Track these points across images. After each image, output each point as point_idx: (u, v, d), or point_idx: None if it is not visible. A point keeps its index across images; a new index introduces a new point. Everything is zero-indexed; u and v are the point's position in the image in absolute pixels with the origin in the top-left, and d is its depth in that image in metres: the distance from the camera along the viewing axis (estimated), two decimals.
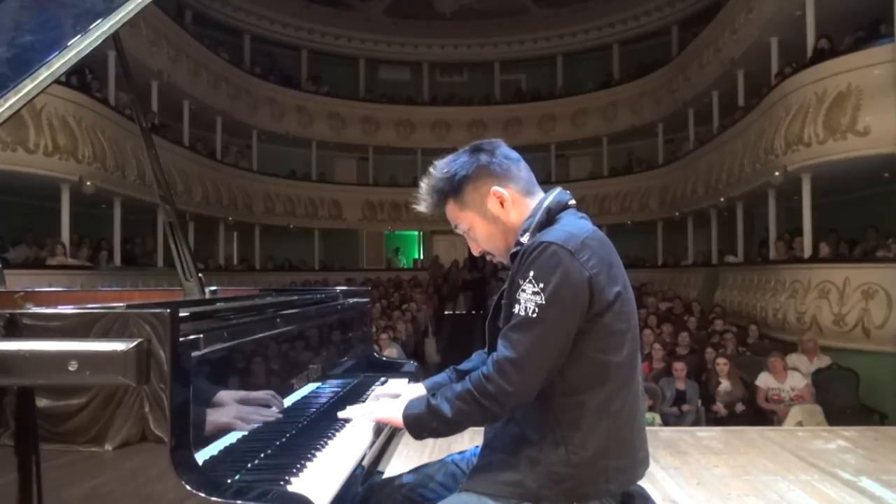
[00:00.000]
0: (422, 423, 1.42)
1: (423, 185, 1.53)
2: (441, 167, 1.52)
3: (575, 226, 1.40)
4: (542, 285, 1.29)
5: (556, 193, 1.50)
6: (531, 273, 1.31)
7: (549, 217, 1.45)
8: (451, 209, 1.52)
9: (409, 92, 19.50)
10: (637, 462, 1.42)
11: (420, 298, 13.87)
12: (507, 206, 1.47)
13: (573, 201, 1.51)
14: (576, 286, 1.30)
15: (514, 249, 1.43)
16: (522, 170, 1.52)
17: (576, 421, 1.34)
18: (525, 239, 1.42)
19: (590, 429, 1.34)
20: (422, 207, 1.54)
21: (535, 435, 1.36)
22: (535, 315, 1.29)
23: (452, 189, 1.50)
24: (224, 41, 16.12)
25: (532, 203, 1.49)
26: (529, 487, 1.34)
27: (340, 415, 1.60)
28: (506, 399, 1.31)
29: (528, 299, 1.30)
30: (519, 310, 1.32)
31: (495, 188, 1.47)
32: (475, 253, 1.58)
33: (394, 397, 1.66)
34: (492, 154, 1.50)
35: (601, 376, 1.34)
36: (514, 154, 1.53)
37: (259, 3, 16.64)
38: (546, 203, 1.46)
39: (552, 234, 1.36)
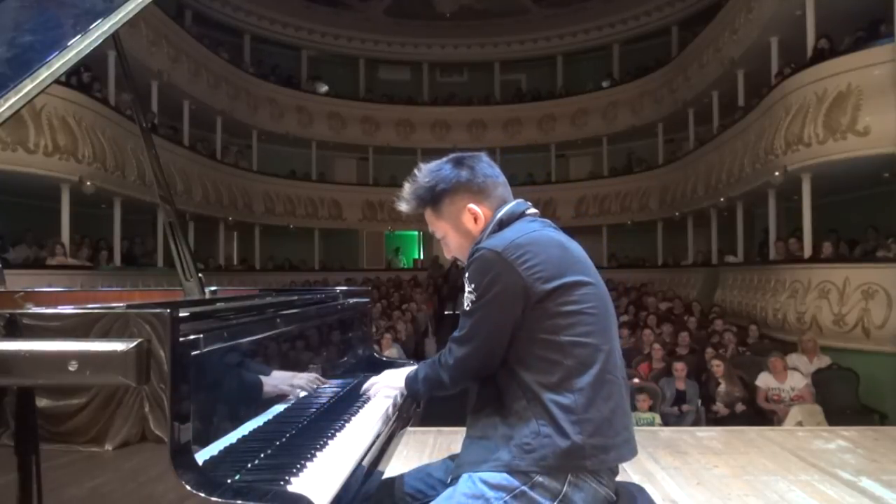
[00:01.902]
0: (411, 385, 1.66)
1: (407, 187, 1.65)
2: (424, 174, 1.63)
3: (516, 231, 1.52)
4: (473, 286, 1.46)
5: (512, 205, 1.61)
6: (467, 276, 1.48)
7: (500, 228, 1.56)
8: (429, 216, 1.66)
9: (409, 92, 19.50)
10: (618, 443, 1.45)
11: (420, 298, 13.87)
12: (479, 222, 1.60)
13: (532, 210, 1.61)
14: (504, 281, 1.43)
15: (468, 260, 1.57)
16: (499, 186, 1.63)
17: (541, 396, 1.42)
18: None
19: (555, 404, 1.40)
20: (403, 207, 1.66)
21: (507, 413, 1.45)
22: (468, 308, 1.48)
23: (431, 199, 1.62)
24: (224, 41, 16.11)
25: (497, 213, 1.60)
26: (503, 459, 1.41)
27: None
28: (448, 371, 1.53)
29: (467, 297, 1.48)
30: (463, 307, 1.51)
31: (471, 206, 1.59)
32: (447, 256, 1.73)
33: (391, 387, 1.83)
34: (472, 171, 1.61)
35: (556, 354, 1.43)
36: (494, 171, 1.63)
37: (259, 3, 16.64)
38: (499, 215, 1.58)
39: (487, 241, 1.50)
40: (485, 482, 1.41)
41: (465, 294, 1.49)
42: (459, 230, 1.62)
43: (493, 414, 1.48)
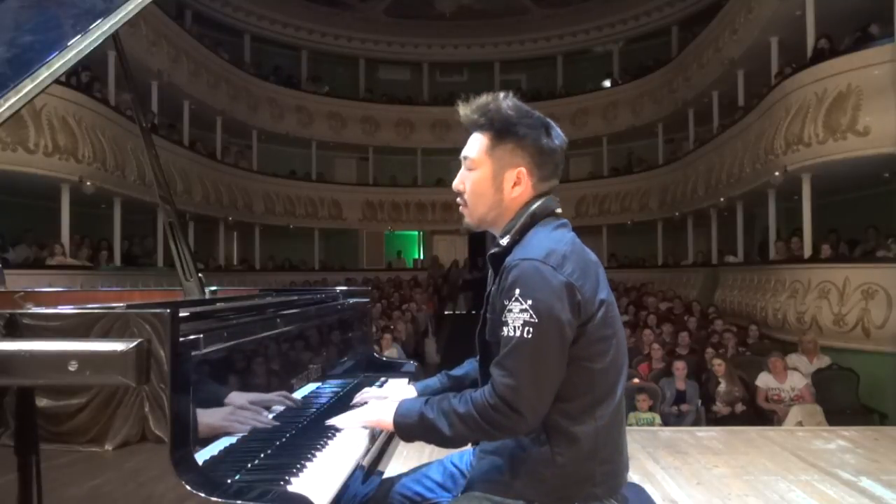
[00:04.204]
0: (413, 433, 1.42)
1: (483, 99, 1.46)
2: (511, 106, 1.45)
3: (552, 239, 1.39)
4: (529, 302, 1.28)
5: (545, 199, 1.48)
6: (516, 291, 1.30)
7: (532, 221, 1.44)
8: (480, 141, 1.47)
9: (409, 92, 19.49)
10: (623, 464, 1.46)
11: (420, 298, 13.88)
12: (517, 189, 1.45)
13: (559, 209, 1.50)
14: (563, 299, 1.30)
15: (494, 250, 1.44)
16: (555, 178, 1.51)
17: (561, 426, 1.36)
18: (505, 241, 1.42)
19: (576, 433, 1.35)
20: (463, 111, 1.48)
21: (524, 439, 1.39)
22: (529, 336, 1.27)
23: (497, 131, 1.45)
24: (224, 41, 16.11)
25: (532, 204, 1.47)
26: (515, 487, 1.38)
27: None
28: (517, 426, 1.31)
29: (517, 318, 1.29)
30: (508, 331, 1.30)
31: (523, 169, 1.45)
32: (455, 186, 1.51)
33: (382, 399, 1.67)
34: (552, 144, 1.46)
35: (586, 384, 1.36)
36: (562, 161, 1.51)
37: (259, 3, 16.64)
38: (533, 207, 1.45)
39: (531, 251, 1.35)
40: (490, 502, 1.40)
41: (513, 315, 1.29)
42: (495, 179, 1.45)
43: None
